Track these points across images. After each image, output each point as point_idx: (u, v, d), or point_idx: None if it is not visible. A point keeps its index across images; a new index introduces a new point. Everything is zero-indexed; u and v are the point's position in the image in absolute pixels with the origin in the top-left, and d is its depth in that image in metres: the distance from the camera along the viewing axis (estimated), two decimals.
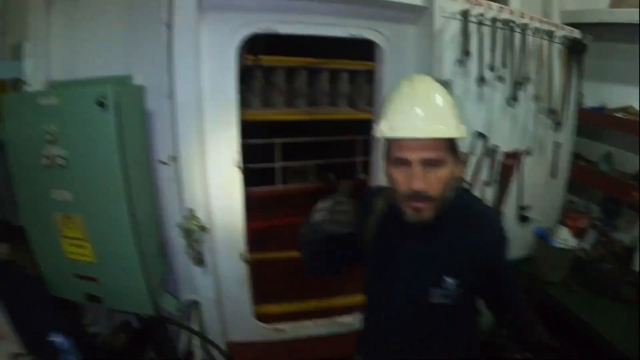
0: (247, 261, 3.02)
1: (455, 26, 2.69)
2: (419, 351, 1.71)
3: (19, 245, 2.64)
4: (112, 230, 2.27)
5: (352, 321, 3.36)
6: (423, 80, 1.54)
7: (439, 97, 1.48)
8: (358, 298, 3.39)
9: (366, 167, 5.54)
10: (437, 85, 1.53)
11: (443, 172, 1.45)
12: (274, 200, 6.38)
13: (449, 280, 1.57)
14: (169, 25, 2.31)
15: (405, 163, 1.44)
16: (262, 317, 3.30)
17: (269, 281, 3.63)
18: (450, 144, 1.47)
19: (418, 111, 1.43)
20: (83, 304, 2.69)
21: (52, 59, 2.58)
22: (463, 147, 1.63)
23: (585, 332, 2.68)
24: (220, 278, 2.95)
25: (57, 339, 2.07)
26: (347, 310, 3.47)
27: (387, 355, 1.78)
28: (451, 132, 1.44)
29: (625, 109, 3.39)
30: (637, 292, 2.90)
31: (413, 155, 1.42)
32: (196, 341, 2.90)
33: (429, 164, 1.43)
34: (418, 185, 1.42)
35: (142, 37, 2.46)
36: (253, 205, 4.54)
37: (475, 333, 1.82)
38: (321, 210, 1.59)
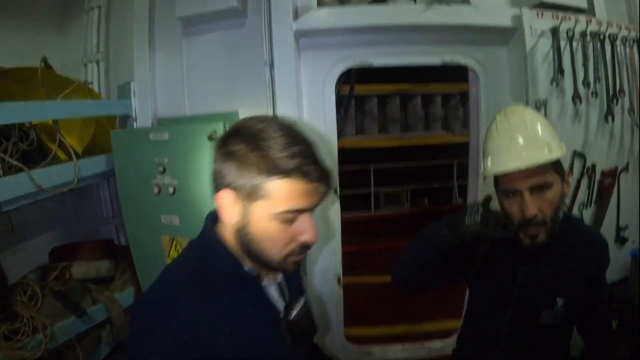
0: (341, 283, 3.11)
1: (546, 44, 2.68)
2: None
3: (121, 263, 2.99)
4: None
5: (441, 346, 3.39)
6: (516, 110, 1.60)
7: (534, 122, 1.54)
8: (449, 324, 3.50)
9: (462, 191, 5.50)
10: (529, 111, 1.60)
11: (552, 194, 1.50)
12: (368, 225, 6.43)
13: (560, 300, 1.61)
14: (270, 65, 2.53)
15: (515, 193, 1.51)
16: (353, 339, 3.36)
17: (362, 304, 3.73)
18: (554, 165, 1.51)
19: (517, 141, 1.50)
20: None
21: (158, 97, 2.92)
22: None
23: None
24: (316, 299, 3.04)
25: None
26: (437, 335, 3.49)
27: None
28: (552, 154, 1.48)
29: None
30: None
31: (521, 185, 1.48)
32: None
33: (538, 189, 1.48)
34: (531, 212, 1.47)
35: (244, 76, 2.67)
36: (348, 230, 4.72)
37: (568, 354, 1.83)
38: (473, 213, 1.54)
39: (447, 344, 3.38)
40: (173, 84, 2.90)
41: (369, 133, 6.59)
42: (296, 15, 2.58)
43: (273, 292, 1.22)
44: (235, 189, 1.06)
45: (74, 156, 2.47)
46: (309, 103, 2.74)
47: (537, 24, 2.65)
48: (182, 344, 0.98)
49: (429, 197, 7.00)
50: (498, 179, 1.58)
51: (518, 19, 2.67)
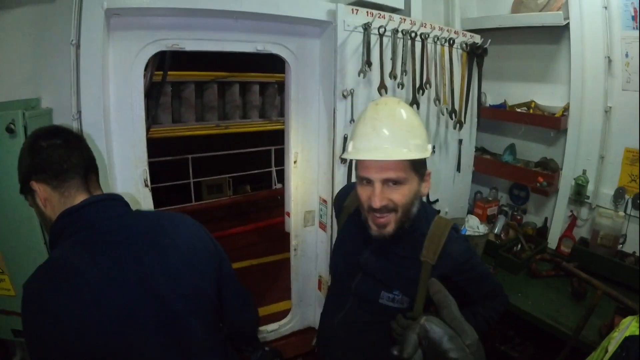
0: None
1: (357, 38, 2.85)
2: (358, 333, 1.86)
3: None
4: (29, 259, 2.19)
5: (278, 327, 3.65)
6: (388, 102, 1.66)
7: (401, 119, 1.60)
8: (281, 306, 3.84)
9: (280, 176, 5.69)
10: (402, 107, 1.65)
11: (404, 190, 1.59)
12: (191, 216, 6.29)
13: (396, 291, 1.73)
14: (77, 46, 2.32)
15: (368, 182, 1.59)
16: None
17: None
18: (413, 164, 1.59)
19: (378, 133, 1.56)
20: (11, 341, 2.59)
21: None
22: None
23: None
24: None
25: None
26: (272, 318, 3.76)
27: (338, 345, 1.92)
28: (411, 154, 1.56)
29: (526, 104, 3.85)
30: (551, 267, 3.32)
31: (374, 175, 1.57)
32: None
33: (390, 182, 1.57)
34: (378, 203, 1.56)
35: (50, 58, 2.42)
36: None
37: None
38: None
39: (282, 325, 3.65)
40: None
41: (186, 121, 6.48)
42: None
43: None
44: None
45: None
46: (117, 87, 2.58)
47: (350, 19, 2.80)
48: None
49: (250, 184, 7.10)
50: (357, 165, 1.65)
51: (333, 14, 2.80)
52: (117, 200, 1.55)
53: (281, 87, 5.37)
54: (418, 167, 1.63)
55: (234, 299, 1.75)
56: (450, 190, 3.86)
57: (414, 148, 1.56)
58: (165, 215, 1.65)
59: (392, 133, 1.56)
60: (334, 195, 2.98)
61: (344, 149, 2.97)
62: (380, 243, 1.72)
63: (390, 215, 1.61)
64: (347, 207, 1.94)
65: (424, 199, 2.02)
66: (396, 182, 1.57)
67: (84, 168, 1.47)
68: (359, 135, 1.62)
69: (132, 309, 1.35)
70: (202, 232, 1.68)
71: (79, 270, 1.32)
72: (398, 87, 3.03)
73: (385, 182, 1.57)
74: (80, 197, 1.45)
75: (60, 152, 1.43)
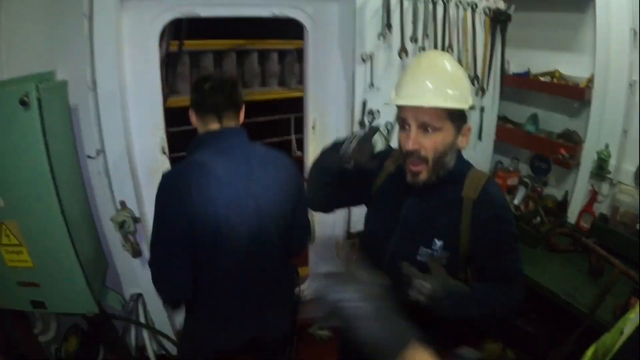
0: None
1: (377, 1, 2.81)
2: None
3: None
4: (47, 231, 2.26)
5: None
6: (430, 54, 1.76)
7: (443, 69, 1.64)
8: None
9: (300, 144, 5.66)
10: (445, 58, 1.69)
11: (439, 138, 1.61)
12: None
13: (437, 241, 1.71)
14: (90, 17, 2.32)
15: (405, 125, 1.64)
16: None
17: None
18: (449, 114, 1.61)
19: (419, 82, 1.60)
20: (32, 313, 2.67)
21: None
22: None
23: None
24: None
25: None
26: None
27: None
28: (446, 103, 1.58)
29: (550, 73, 3.72)
30: (570, 242, 3.26)
31: (410, 119, 1.61)
32: (146, 334, 2.99)
33: (425, 128, 1.60)
34: (411, 146, 1.60)
35: (63, 30, 2.41)
36: None
37: None
38: (351, 141, 1.67)
39: (301, 291, 3.56)
40: None
41: None
42: None
43: None
44: None
45: None
46: (132, 57, 2.59)
47: None
48: None
49: None
50: (399, 110, 1.68)
51: None
52: (239, 132, 2.09)
53: (300, 55, 5.29)
54: (455, 117, 1.64)
55: (301, 220, 2.33)
56: (471, 158, 3.71)
57: (450, 98, 1.59)
58: (274, 151, 2.21)
59: (431, 82, 1.59)
60: None
61: (363, 114, 2.98)
62: (420, 189, 1.72)
63: (421, 164, 1.64)
64: (387, 166, 1.93)
65: None
66: (431, 128, 1.60)
67: (219, 106, 2.00)
68: (401, 84, 1.67)
69: (239, 203, 1.99)
70: (295, 170, 2.26)
71: (211, 168, 1.94)
72: (419, 52, 2.98)
73: (421, 126, 1.60)
74: (214, 126, 2.02)
75: (205, 93, 1.99)
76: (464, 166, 1.79)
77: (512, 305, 1.69)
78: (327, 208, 2.14)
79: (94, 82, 2.43)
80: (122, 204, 2.67)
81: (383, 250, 1.83)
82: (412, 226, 1.77)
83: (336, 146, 1.73)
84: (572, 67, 3.64)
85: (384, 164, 1.93)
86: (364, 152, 1.65)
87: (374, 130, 1.69)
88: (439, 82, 1.60)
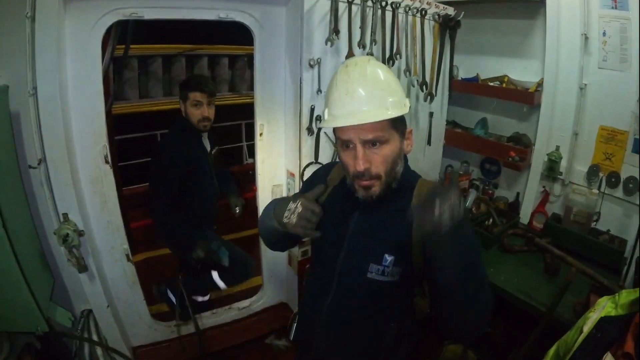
0: (131, 261, 3.03)
1: (325, 6, 2.81)
2: (350, 322, 1.79)
3: None
4: None
5: (249, 304, 3.68)
6: (358, 62, 1.59)
7: (375, 77, 1.56)
8: (252, 282, 3.78)
9: (252, 151, 5.67)
10: (373, 64, 1.59)
11: (387, 150, 1.55)
12: None
13: (388, 257, 1.66)
14: (32, 18, 2.23)
15: (349, 145, 1.56)
16: (159, 317, 3.38)
17: (160, 279, 3.68)
18: (392, 122, 1.55)
19: (353, 95, 1.52)
20: None
21: None
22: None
23: None
24: (108, 282, 2.94)
25: None
26: (242, 295, 3.81)
27: (319, 326, 1.85)
28: (390, 113, 1.51)
29: (499, 78, 3.86)
30: (524, 242, 3.40)
31: (354, 138, 1.52)
32: (100, 352, 2.89)
33: (371, 144, 1.53)
34: (361, 166, 1.53)
35: (4, 32, 2.31)
36: (135, 204, 4.51)
37: (410, 320, 1.84)
38: (290, 211, 1.65)
39: (253, 301, 3.71)
40: None
41: (154, 96, 6.38)
42: None
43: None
44: None
45: None
46: (74, 61, 2.52)
47: None
48: None
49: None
50: (335, 130, 1.60)
51: None
52: None
53: (251, 60, 5.32)
54: (398, 124, 1.59)
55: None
56: (420, 163, 3.87)
57: (391, 106, 1.53)
58: None
59: (367, 94, 1.52)
60: (301, 168, 2.99)
61: (311, 120, 2.98)
62: (368, 203, 1.66)
63: (374, 180, 1.59)
64: (331, 180, 1.89)
65: None
66: (378, 143, 1.54)
67: None
68: (333, 101, 1.58)
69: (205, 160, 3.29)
70: None
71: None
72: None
73: (367, 143, 1.53)
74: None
75: None
76: (411, 177, 1.76)
77: (490, 310, 1.55)
78: (282, 250, 2.19)
79: (35, 88, 2.33)
80: (65, 216, 2.56)
81: (331, 269, 1.78)
82: (360, 242, 1.72)
83: (276, 209, 1.72)
84: (522, 73, 3.81)
85: (327, 179, 1.90)
86: (307, 224, 1.62)
87: (320, 191, 1.72)
88: (375, 92, 1.53)
